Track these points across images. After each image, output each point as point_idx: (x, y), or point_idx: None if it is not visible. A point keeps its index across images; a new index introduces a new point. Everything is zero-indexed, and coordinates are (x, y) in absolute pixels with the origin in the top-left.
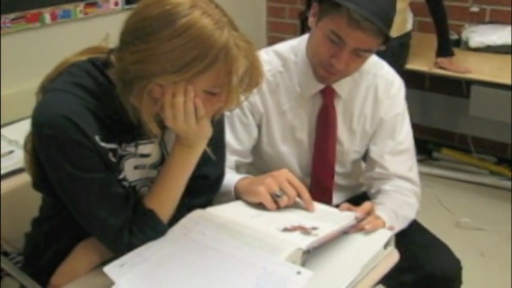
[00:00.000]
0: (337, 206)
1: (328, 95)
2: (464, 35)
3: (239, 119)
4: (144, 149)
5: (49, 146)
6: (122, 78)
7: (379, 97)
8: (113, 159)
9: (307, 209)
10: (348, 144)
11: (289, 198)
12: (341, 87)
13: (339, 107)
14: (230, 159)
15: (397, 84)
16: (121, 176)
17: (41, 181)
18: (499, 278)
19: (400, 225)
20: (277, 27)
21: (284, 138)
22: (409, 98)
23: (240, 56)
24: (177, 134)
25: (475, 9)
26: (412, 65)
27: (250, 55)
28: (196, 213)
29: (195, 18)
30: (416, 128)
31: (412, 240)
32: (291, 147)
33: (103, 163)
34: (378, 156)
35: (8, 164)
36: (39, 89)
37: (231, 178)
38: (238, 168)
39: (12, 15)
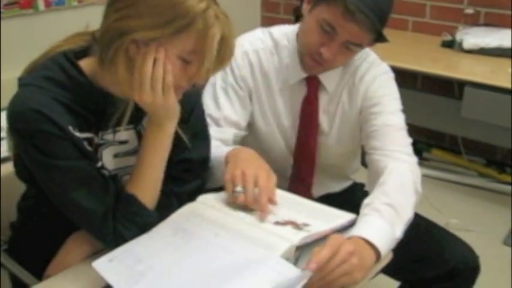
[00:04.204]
0: (318, 199)
1: (312, 85)
2: (458, 36)
3: (234, 91)
4: (121, 135)
5: (23, 139)
6: (102, 42)
7: (355, 83)
8: (89, 148)
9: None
10: (331, 135)
11: (245, 197)
12: (328, 80)
13: (323, 99)
14: (228, 132)
15: (377, 69)
16: (99, 165)
17: (22, 171)
18: (487, 278)
19: (404, 218)
20: (272, 22)
21: (274, 118)
22: (401, 97)
23: (217, 26)
24: (148, 114)
25: (469, 11)
26: (405, 64)
27: (227, 28)
28: (187, 209)
29: None
30: (406, 127)
31: (429, 237)
32: (279, 130)
33: (78, 152)
34: (369, 131)
35: None
36: (18, 78)
37: (225, 151)
38: (235, 143)
39: (5, 0)
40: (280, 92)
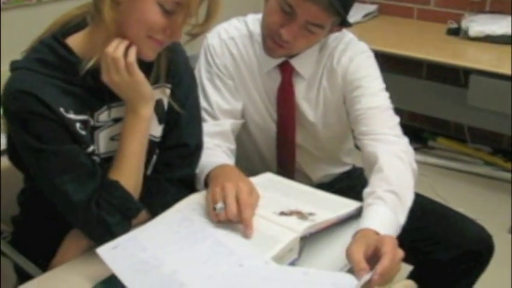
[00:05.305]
0: (319, 186)
1: (286, 72)
2: (464, 24)
3: (220, 80)
4: (116, 112)
5: (14, 121)
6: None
7: (333, 67)
8: (83, 132)
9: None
10: (317, 122)
11: (226, 214)
12: (302, 66)
13: (301, 86)
14: (225, 124)
15: (354, 49)
16: (90, 149)
17: (15, 156)
18: (492, 267)
19: (405, 202)
20: None
21: (264, 105)
22: (406, 86)
23: None
24: (123, 100)
25: None
26: (410, 52)
27: None
28: (193, 199)
29: None
30: (412, 116)
31: (444, 219)
32: (272, 118)
33: (68, 135)
34: (355, 116)
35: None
36: (11, 63)
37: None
38: (234, 133)
39: None
40: (261, 79)
